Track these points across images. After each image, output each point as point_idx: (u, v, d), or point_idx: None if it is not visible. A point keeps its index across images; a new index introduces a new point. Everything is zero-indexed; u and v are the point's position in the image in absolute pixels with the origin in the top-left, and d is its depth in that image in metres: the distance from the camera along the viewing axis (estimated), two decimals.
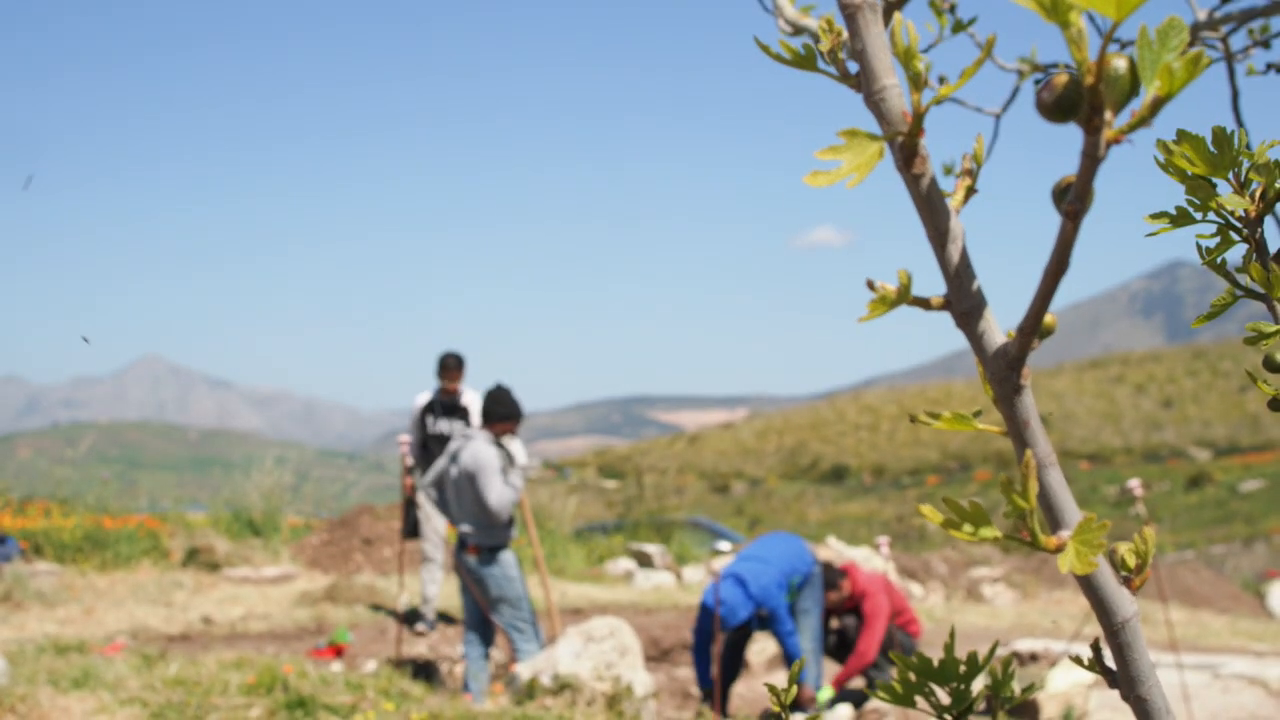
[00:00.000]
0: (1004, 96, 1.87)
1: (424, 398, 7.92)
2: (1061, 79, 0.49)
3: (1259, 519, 32.02)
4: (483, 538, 6.15)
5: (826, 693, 6.65)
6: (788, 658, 6.25)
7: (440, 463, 6.46)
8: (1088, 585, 0.63)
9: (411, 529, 8.22)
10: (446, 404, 7.84)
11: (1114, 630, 0.64)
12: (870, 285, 0.55)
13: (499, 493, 6.03)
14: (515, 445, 6.26)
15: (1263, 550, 18.60)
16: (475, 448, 6.15)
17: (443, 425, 7.79)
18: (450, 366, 7.79)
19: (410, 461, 7.98)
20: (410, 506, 8.13)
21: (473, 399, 7.84)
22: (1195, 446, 51.63)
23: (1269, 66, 1.67)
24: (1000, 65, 1.82)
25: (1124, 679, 0.67)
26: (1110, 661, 0.66)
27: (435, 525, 8.15)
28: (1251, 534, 23.83)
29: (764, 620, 6.33)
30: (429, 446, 7.80)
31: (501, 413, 6.31)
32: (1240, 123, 1.56)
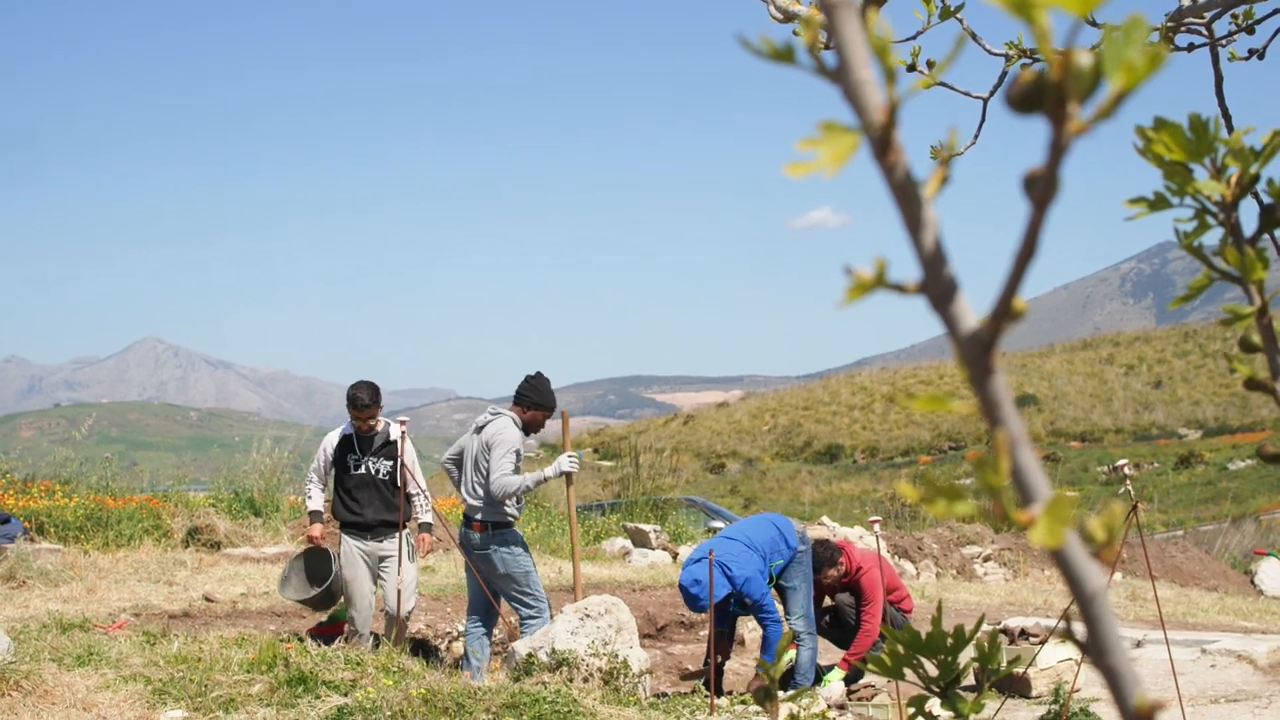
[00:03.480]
0: (992, 81, 1.89)
1: (336, 437, 6.81)
2: (1028, 75, 0.51)
3: (1248, 498, 32.19)
4: (488, 513, 6.24)
5: (836, 674, 6.70)
6: (767, 642, 6.31)
7: (464, 438, 6.49)
8: (1058, 558, 0.65)
9: (324, 596, 6.75)
10: (367, 440, 6.73)
11: (1084, 602, 0.66)
12: (848, 271, 0.58)
13: (502, 474, 6.08)
14: (566, 459, 6.28)
15: (1251, 529, 18.70)
16: (500, 424, 6.24)
17: (369, 465, 6.70)
18: (366, 403, 6.61)
19: (315, 504, 6.80)
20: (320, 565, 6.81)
21: (398, 431, 6.79)
22: (1185, 426, 51.84)
23: (1251, 52, 1.69)
24: (988, 50, 1.84)
25: (1094, 649, 0.70)
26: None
27: (360, 589, 6.67)
28: (1240, 513, 23.96)
29: (744, 604, 6.37)
30: (351, 491, 6.70)
31: (534, 399, 6.33)
32: (1224, 108, 1.58)
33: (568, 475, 6.34)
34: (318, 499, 6.81)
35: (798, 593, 6.57)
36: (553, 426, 6.99)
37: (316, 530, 6.83)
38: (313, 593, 6.74)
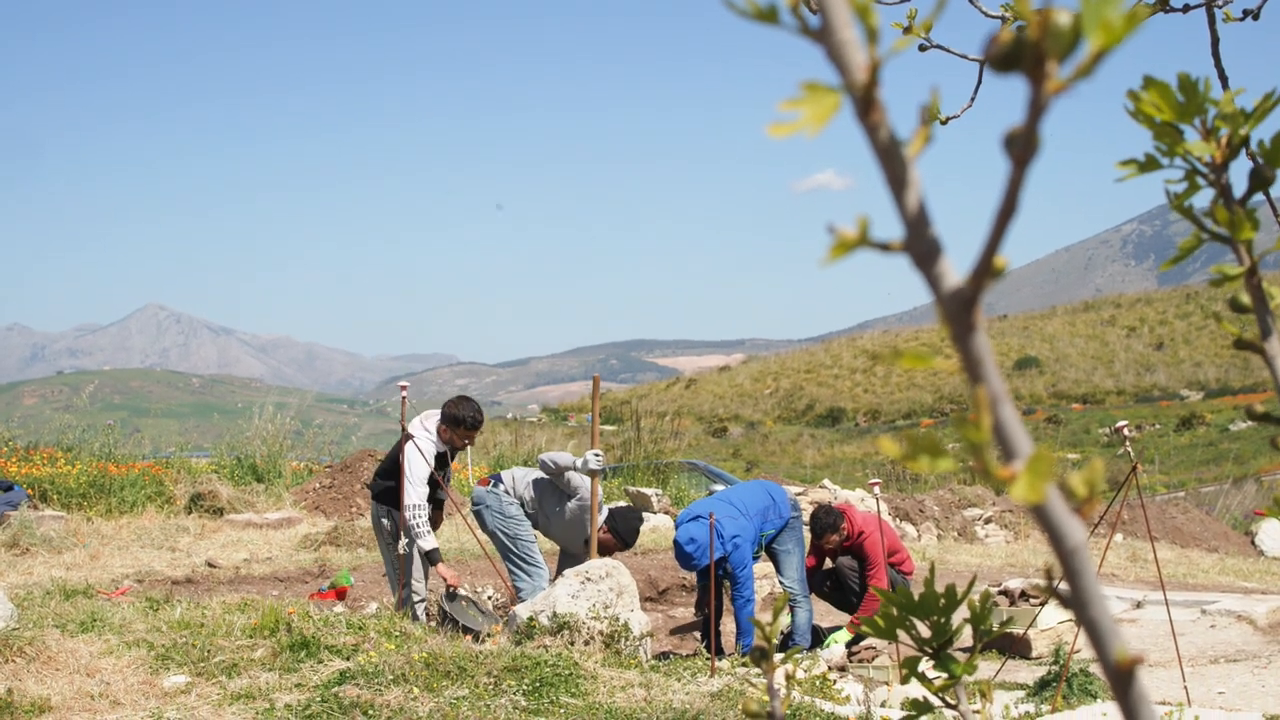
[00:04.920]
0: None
1: (433, 457, 6.25)
2: (1007, 34, 0.51)
3: (1249, 459, 32.27)
4: (501, 474, 6.46)
5: (843, 635, 6.77)
6: (738, 625, 6.40)
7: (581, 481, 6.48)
8: (1039, 514, 0.66)
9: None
10: (449, 454, 6.43)
11: (1064, 556, 0.67)
12: (830, 230, 0.58)
13: (551, 452, 6.45)
14: (592, 456, 6.39)
15: (1252, 489, 18.74)
16: (585, 480, 6.40)
17: (446, 475, 6.46)
18: (479, 423, 6.33)
19: (435, 540, 6.17)
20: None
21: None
22: (1186, 388, 51.91)
23: (1246, 13, 1.68)
24: (984, 12, 1.83)
25: (1075, 602, 0.71)
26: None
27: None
28: (1242, 474, 24.03)
29: (728, 571, 6.44)
30: (439, 503, 6.47)
31: (615, 526, 6.53)
32: (1220, 69, 1.58)
33: (593, 472, 6.45)
34: (422, 527, 6.11)
35: (791, 555, 6.63)
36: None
37: (451, 574, 6.26)
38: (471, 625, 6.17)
